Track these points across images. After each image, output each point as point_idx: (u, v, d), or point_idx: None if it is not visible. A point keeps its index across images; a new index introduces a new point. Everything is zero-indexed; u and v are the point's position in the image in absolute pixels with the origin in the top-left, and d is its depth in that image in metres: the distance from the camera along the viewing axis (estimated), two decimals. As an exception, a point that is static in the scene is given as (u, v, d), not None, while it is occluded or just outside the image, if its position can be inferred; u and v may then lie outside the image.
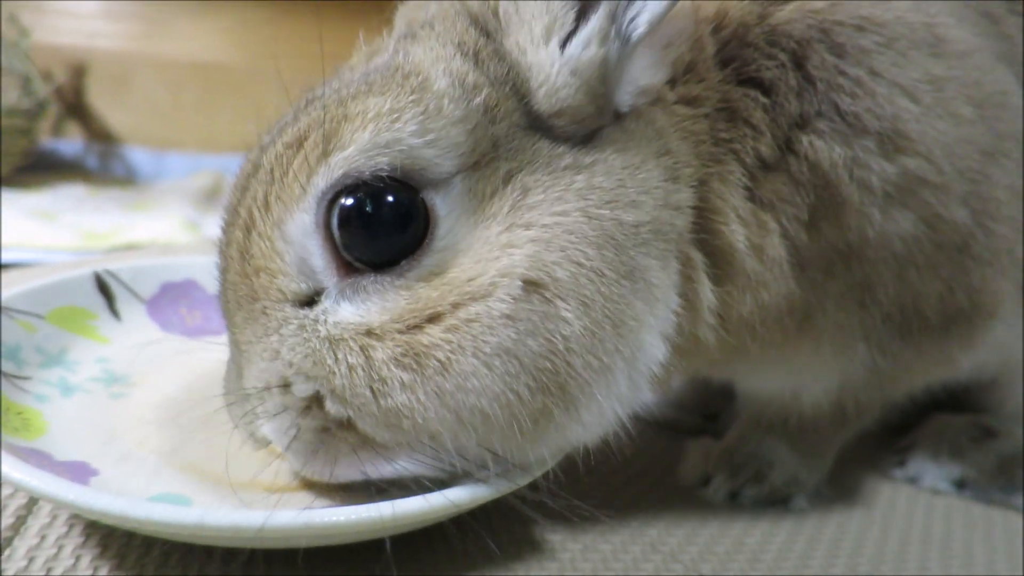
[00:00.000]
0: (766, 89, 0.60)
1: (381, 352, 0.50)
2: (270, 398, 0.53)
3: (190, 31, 2.41)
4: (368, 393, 0.51)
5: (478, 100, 0.52)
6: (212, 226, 1.67)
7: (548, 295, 0.51)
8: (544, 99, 0.54)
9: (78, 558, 0.56)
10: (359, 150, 0.50)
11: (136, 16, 2.39)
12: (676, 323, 0.58)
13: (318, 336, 0.52)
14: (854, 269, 0.63)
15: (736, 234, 0.59)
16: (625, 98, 0.57)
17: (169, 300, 0.86)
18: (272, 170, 0.52)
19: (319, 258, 0.52)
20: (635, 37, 0.53)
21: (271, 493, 0.58)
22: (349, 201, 0.50)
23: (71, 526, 0.59)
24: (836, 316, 0.66)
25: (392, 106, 0.50)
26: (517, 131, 0.54)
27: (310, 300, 0.53)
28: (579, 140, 0.55)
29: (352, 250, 0.51)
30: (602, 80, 0.54)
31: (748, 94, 0.60)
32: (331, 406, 0.52)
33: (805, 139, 0.59)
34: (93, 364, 0.73)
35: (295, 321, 0.52)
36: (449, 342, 0.50)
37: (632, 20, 0.53)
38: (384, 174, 0.50)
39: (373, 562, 0.58)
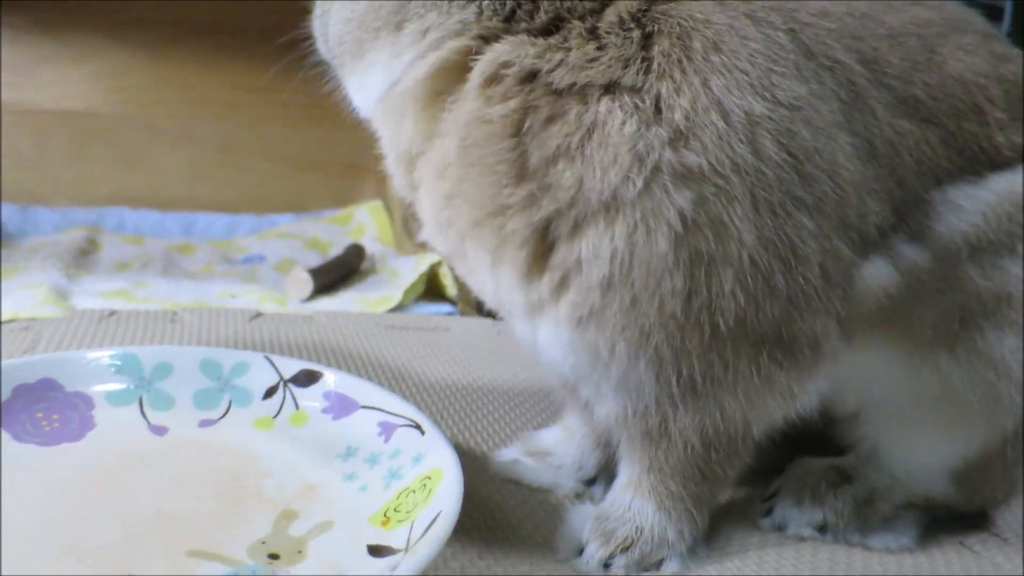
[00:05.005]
0: (601, 45, 0.67)
1: None
2: None
3: (55, 78, 2.30)
4: None
5: None
6: (84, 295, 1.58)
7: None
8: None
9: None
10: None
11: (-5, 63, 2.26)
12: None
13: None
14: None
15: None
16: None
17: (23, 405, 0.82)
18: None
19: None
20: None
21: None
22: None
23: None
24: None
25: None
26: None
27: None
28: None
29: None
30: None
31: (583, 35, 0.68)
32: None
33: (605, 101, 0.66)
34: (-67, 489, 0.69)
35: None
36: None
37: None
38: None
39: None
